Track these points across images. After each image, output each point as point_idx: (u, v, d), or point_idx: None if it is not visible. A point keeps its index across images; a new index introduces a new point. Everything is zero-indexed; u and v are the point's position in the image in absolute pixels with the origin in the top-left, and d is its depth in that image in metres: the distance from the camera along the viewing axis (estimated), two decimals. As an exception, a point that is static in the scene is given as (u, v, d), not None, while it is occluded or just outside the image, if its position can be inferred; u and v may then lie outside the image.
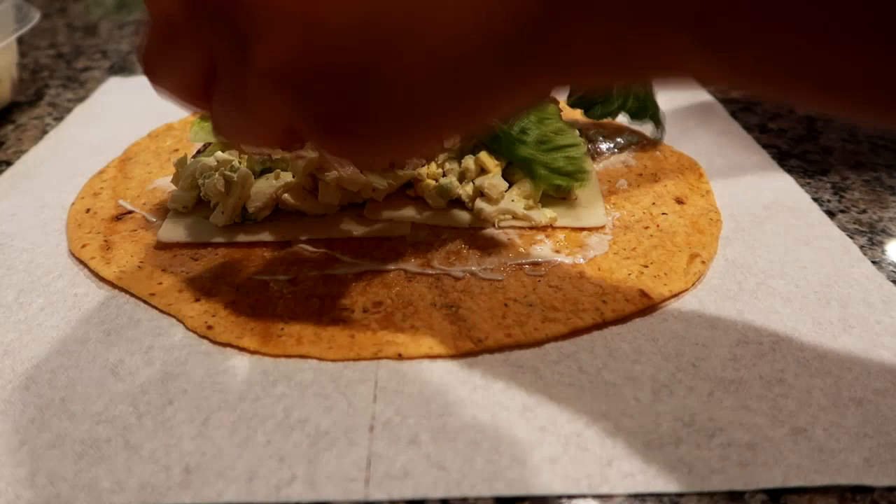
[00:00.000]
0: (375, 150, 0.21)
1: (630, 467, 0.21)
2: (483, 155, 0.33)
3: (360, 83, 0.19)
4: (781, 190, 0.36)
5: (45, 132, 0.45)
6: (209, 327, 0.27)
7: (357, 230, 0.32)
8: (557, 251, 0.30)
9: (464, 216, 0.33)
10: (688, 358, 0.25)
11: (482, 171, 0.33)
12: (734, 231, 0.32)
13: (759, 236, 0.32)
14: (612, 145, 0.40)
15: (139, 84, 0.51)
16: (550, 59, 0.18)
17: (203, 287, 0.29)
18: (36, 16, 0.46)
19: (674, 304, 0.28)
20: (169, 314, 0.28)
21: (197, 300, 0.28)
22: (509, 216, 0.32)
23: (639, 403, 0.23)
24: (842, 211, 0.34)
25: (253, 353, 0.26)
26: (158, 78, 0.22)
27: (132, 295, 0.29)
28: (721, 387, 0.24)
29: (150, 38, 0.21)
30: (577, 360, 0.25)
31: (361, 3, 0.18)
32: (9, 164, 0.41)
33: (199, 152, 0.36)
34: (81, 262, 0.31)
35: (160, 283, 0.29)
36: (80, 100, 0.50)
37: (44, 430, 0.23)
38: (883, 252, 0.31)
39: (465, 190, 0.33)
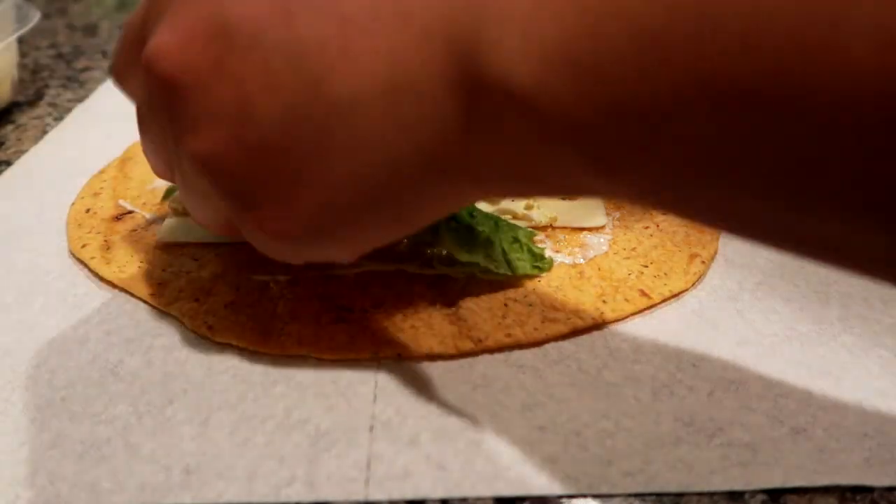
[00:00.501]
0: (298, 252, 0.21)
1: (630, 467, 0.21)
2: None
3: (286, 181, 0.19)
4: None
5: (45, 132, 0.45)
6: (209, 327, 0.27)
7: None
8: (557, 251, 0.30)
9: None
10: (688, 358, 0.25)
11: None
12: (734, 231, 0.32)
13: (759, 236, 0.32)
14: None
15: (139, 84, 0.51)
16: (469, 173, 0.19)
17: (203, 287, 0.29)
18: (36, 16, 0.46)
19: (674, 304, 0.28)
20: (169, 314, 0.28)
21: (197, 300, 0.28)
22: (509, 216, 0.32)
23: (639, 403, 0.23)
24: (842, 211, 0.34)
25: (253, 352, 0.26)
26: (146, 154, 0.25)
27: (132, 295, 0.29)
28: (721, 387, 0.24)
29: (137, 115, 0.24)
30: (577, 360, 0.25)
31: (293, 102, 0.18)
32: (9, 164, 0.41)
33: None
34: (81, 262, 0.31)
35: (160, 283, 0.29)
36: (80, 100, 0.50)
37: (44, 430, 0.23)
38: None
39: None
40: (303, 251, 0.21)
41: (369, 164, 0.19)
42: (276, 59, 0.18)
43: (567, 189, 0.22)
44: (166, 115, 0.21)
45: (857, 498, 0.20)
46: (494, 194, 0.23)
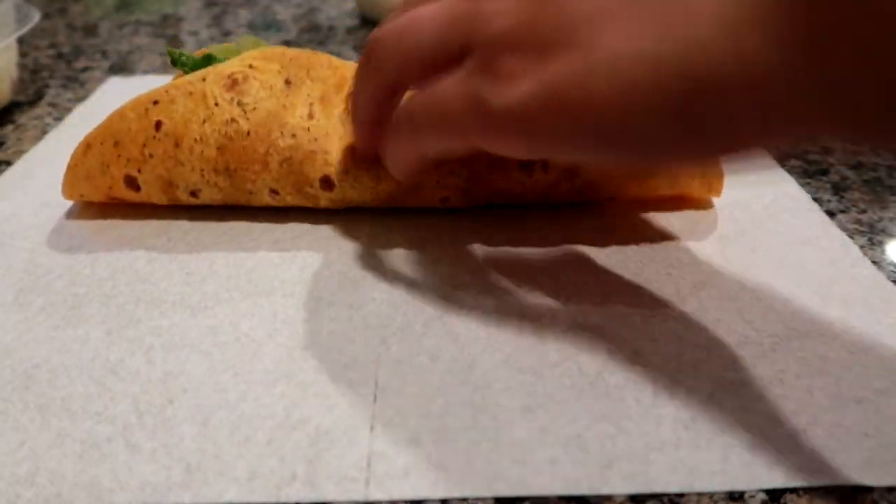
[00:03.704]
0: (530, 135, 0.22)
1: (630, 468, 0.21)
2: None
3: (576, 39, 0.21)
4: (781, 190, 0.36)
5: (45, 132, 0.45)
6: None
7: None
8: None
9: None
10: (688, 359, 0.25)
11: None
12: (734, 231, 0.32)
13: (759, 236, 0.32)
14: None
15: (139, 84, 0.51)
16: (754, 124, 0.19)
17: None
18: (36, 16, 0.46)
19: (674, 305, 0.28)
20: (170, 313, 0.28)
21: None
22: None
23: (639, 405, 0.23)
24: (842, 211, 0.34)
25: (256, 349, 0.26)
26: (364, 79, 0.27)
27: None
28: (721, 388, 0.24)
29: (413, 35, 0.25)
30: (577, 362, 0.25)
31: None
32: (9, 164, 0.41)
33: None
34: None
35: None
36: (80, 100, 0.50)
37: (44, 429, 0.23)
38: (883, 252, 0.31)
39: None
40: (537, 135, 0.22)
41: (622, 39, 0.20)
42: None
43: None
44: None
45: (857, 498, 0.20)
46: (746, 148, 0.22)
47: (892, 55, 0.17)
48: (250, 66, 0.33)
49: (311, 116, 0.32)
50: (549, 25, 0.22)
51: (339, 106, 0.33)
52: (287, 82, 0.33)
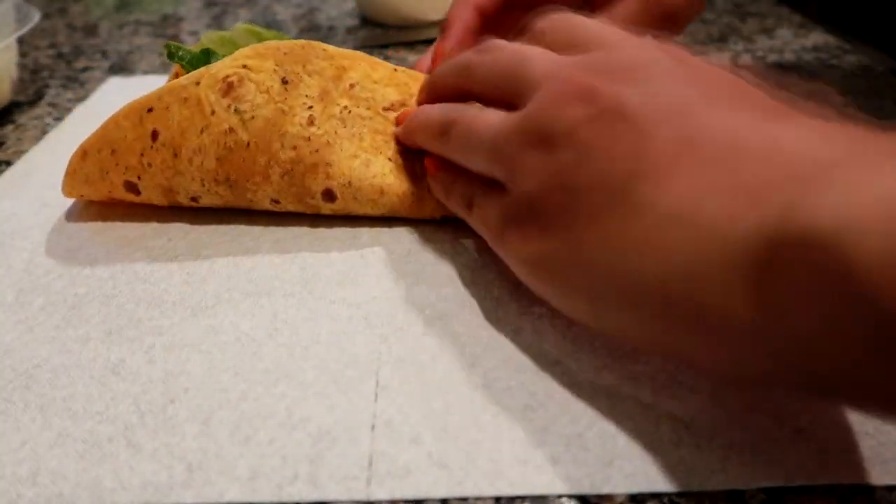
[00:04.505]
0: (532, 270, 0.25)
1: (631, 467, 0.21)
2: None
3: (571, 222, 0.23)
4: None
5: (45, 132, 0.45)
6: None
7: None
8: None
9: None
10: (688, 358, 0.25)
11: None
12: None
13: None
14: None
15: (139, 84, 0.51)
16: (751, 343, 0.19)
17: None
18: (36, 16, 0.46)
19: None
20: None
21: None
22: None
23: (639, 404, 0.23)
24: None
25: (256, 348, 0.26)
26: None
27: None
28: (721, 387, 0.24)
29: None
30: (578, 360, 0.25)
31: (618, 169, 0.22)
32: (9, 164, 0.41)
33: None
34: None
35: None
36: (80, 100, 0.50)
37: (45, 429, 0.23)
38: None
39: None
40: (537, 275, 0.25)
41: (637, 272, 0.21)
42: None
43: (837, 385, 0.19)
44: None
45: (857, 498, 0.20)
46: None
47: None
48: (244, 67, 0.32)
49: (311, 123, 0.32)
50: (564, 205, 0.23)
51: (338, 101, 0.33)
52: (284, 81, 0.32)
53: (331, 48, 0.34)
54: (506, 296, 0.28)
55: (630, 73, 0.23)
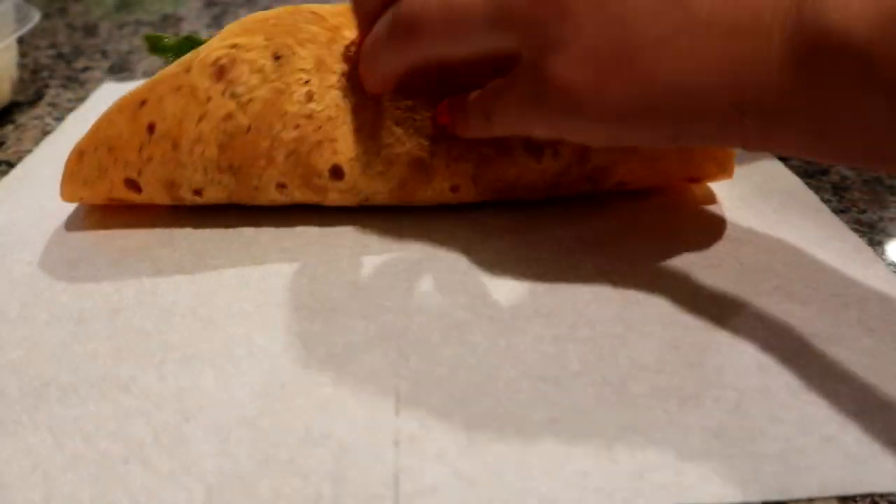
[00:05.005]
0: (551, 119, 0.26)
1: (662, 480, 0.21)
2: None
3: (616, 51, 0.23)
4: (789, 191, 0.36)
5: (45, 132, 0.44)
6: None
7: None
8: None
9: None
10: (711, 366, 0.25)
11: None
12: (746, 234, 0.32)
13: (771, 239, 0.32)
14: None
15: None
16: (769, 119, 0.22)
17: None
18: (36, 16, 0.45)
19: (692, 312, 0.27)
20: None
21: None
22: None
23: (666, 415, 0.23)
24: (842, 211, 0.34)
25: (274, 360, 0.25)
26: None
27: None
28: (747, 396, 0.23)
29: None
30: (600, 371, 0.25)
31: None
32: (9, 164, 0.40)
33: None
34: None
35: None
36: (81, 100, 0.49)
37: (57, 451, 0.22)
38: (883, 252, 0.31)
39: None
40: (561, 117, 0.25)
41: (677, 72, 0.23)
42: None
43: (858, 151, 0.22)
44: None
45: (858, 498, 0.20)
46: (775, 146, 0.24)
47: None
48: (234, 47, 0.31)
49: (310, 99, 0.31)
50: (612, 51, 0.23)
51: (335, 68, 0.31)
52: (276, 57, 0.31)
53: (321, 8, 0.33)
54: (523, 305, 0.28)
55: None
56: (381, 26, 0.28)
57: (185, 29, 0.65)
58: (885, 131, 0.20)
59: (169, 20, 0.68)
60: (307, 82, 0.31)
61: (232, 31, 0.31)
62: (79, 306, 0.29)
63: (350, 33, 0.32)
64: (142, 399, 0.24)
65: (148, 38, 0.33)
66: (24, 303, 0.29)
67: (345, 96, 0.31)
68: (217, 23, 0.66)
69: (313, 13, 0.32)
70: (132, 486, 0.21)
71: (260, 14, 0.32)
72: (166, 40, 0.33)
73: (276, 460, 0.22)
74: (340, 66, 0.31)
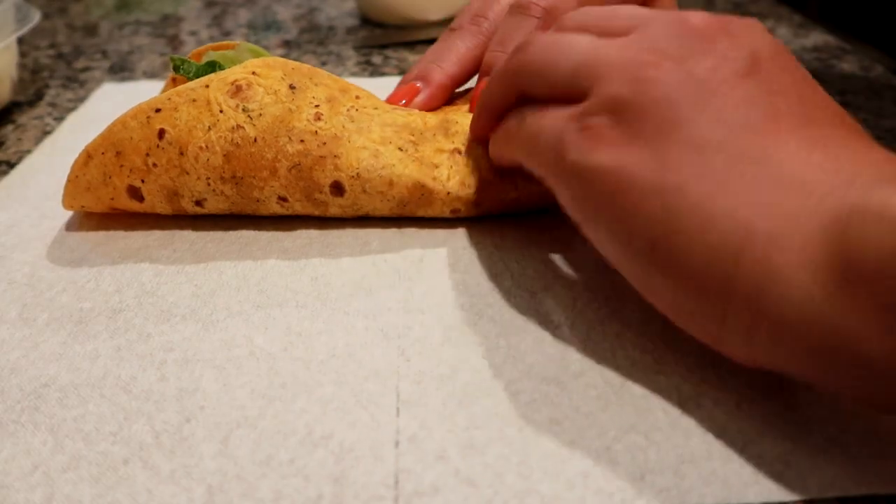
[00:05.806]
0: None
1: (664, 481, 0.21)
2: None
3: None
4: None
5: (45, 132, 0.44)
6: None
7: None
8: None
9: None
10: (711, 367, 0.25)
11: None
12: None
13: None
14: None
15: (133, 90, 0.51)
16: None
17: None
18: (36, 16, 0.45)
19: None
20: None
21: None
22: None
23: (666, 416, 0.23)
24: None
25: (272, 362, 0.25)
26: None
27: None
28: (747, 397, 0.23)
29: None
30: (601, 371, 0.25)
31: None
32: (9, 164, 0.40)
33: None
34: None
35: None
36: (81, 100, 0.49)
37: (57, 451, 0.22)
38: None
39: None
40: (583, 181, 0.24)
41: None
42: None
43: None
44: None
45: (858, 498, 0.20)
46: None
47: None
48: (253, 73, 0.32)
49: (318, 118, 0.32)
50: (656, 115, 0.22)
51: (346, 104, 0.33)
52: (291, 87, 0.32)
53: (335, 77, 0.35)
54: (524, 304, 0.28)
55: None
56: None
57: (185, 29, 0.65)
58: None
59: (169, 20, 0.67)
60: (317, 106, 0.32)
61: (254, 63, 0.33)
62: (79, 307, 0.29)
63: (361, 93, 0.34)
64: (142, 399, 0.24)
65: (173, 60, 0.34)
66: (25, 303, 0.29)
67: (352, 122, 0.32)
68: (217, 23, 0.66)
69: (328, 76, 0.34)
70: (133, 488, 0.21)
71: (281, 59, 0.34)
72: (186, 66, 0.34)
73: (276, 461, 0.22)
74: (351, 103, 0.33)
